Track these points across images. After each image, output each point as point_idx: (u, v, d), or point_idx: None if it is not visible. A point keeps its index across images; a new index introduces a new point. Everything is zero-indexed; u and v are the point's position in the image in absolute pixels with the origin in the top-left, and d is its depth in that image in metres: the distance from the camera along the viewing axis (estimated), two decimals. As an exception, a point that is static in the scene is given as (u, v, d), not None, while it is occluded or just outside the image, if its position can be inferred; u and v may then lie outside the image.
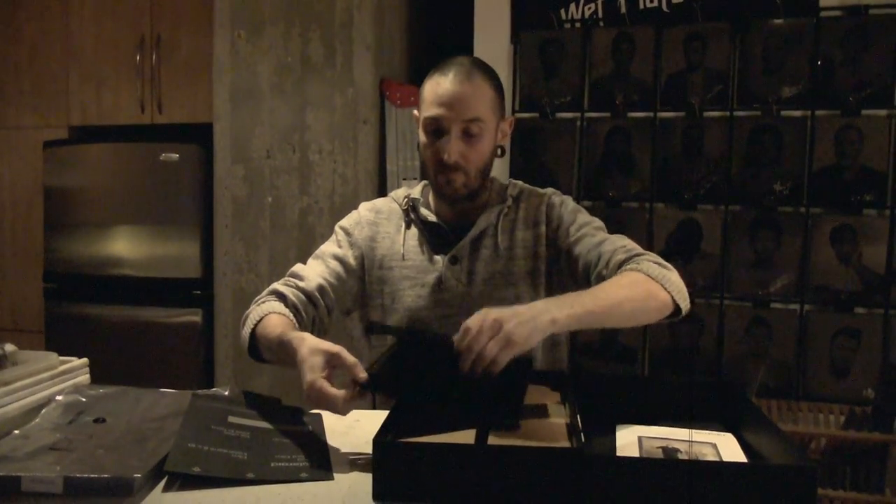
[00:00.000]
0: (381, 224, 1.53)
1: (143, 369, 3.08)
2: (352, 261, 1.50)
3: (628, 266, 1.31)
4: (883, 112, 2.48)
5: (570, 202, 1.51)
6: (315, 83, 2.86)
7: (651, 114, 2.69)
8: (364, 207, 1.58)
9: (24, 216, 3.41)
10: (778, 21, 2.57)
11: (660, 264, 1.32)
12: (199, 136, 3.05)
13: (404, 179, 2.83)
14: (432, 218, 1.49)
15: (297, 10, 2.86)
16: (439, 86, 1.38)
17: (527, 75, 2.81)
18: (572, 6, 2.77)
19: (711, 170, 2.64)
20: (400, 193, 1.56)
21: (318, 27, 2.85)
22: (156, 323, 3.10)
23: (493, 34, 2.83)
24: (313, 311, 1.45)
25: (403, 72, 3.05)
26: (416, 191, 1.55)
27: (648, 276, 1.27)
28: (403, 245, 1.49)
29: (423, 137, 1.42)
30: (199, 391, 1.29)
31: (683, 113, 2.66)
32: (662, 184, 2.69)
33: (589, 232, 1.43)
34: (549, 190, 1.53)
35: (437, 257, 1.46)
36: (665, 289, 1.27)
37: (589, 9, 2.75)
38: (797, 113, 2.56)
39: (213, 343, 3.03)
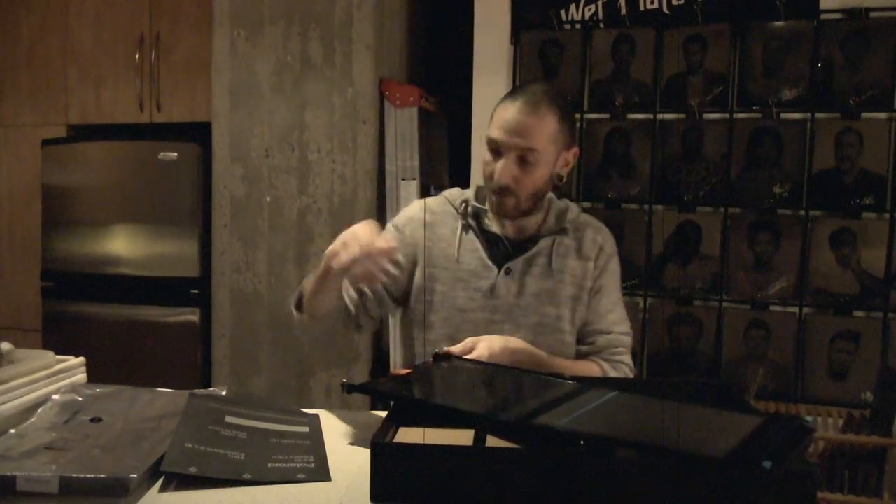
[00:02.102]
0: (435, 225, 1.59)
1: (140, 368, 3.07)
2: (399, 257, 1.53)
3: (600, 360, 1.52)
4: (883, 115, 2.48)
5: (615, 257, 1.60)
6: (314, 83, 2.86)
7: (651, 115, 2.69)
8: (418, 207, 1.63)
9: (22, 214, 3.40)
10: (778, 23, 2.57)
11: (624, 373, 1.53)
12: (197, 134, 3.05)
13: (403, 179, 2.83)
14: (495, 229, 1.56)
15: (296, 10, 2.86)
16: (506, 111, 1.46)
17: (526, 76, 2.81)
18: (572, 7, 2.77)
19: (711, 172, 2.63)
20: (455, 195, 1.62)
21: (317, 26, 2.84)
22: (153, 322, 3.10)
23: (493, 34, 2.82)
24: (357, 299, 1.54)
25: (403, 72, 3.04)
26: (470, 195, 1.60)
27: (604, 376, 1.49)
28: (459, 249, 1.55)
29: (485, 154, 1.50)
30: (197, 391, 1.28)
31: (683, 115, 2.66)
32: (662, 185, 2.68)
33: (605, 304, 1.56)
34: (606, 233, 1.62)
35: (492, 266, 1.53)
36: None
37: (589, 10, 2.75)
38: (797, 115, 2.56)
39: (211, 342, 3.03)
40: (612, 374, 1.51)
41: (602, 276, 1.56)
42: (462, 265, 1.54)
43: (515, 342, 1.43)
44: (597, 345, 1.54)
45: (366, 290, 1.52)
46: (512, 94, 1.50)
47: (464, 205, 1.58)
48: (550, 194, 1.61)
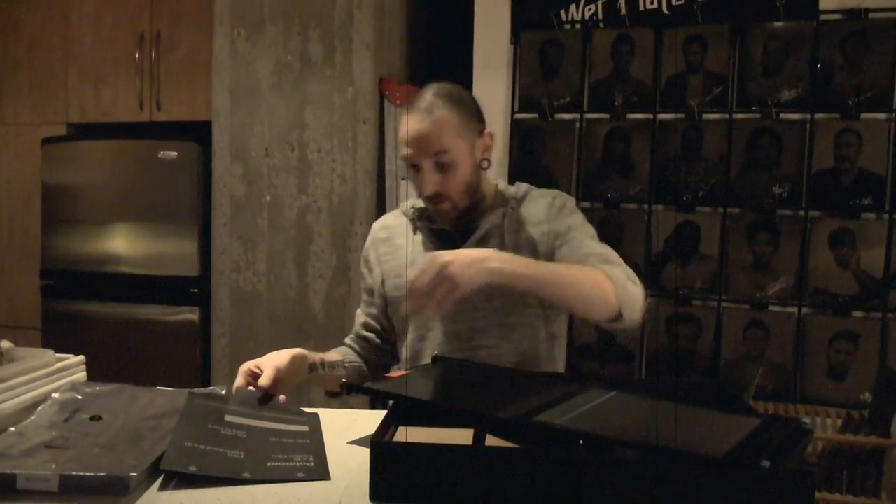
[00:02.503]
0: (392, 238, 1.62)
1: (139, 367, 3.07)
2: (375, 285, 1.63)
3: (598, 266, 1.38)
4: (882, 116, 2.49)
5: (571, 204, 1.56)
6: (314, 82, 2.86)
7: (650, 115, 2.69)
8: (375, 226, 1.68)
9: (22, 213, 3.40)
10: (778, 24, 2.57)
11: (627, 276, 1.38)
12: (197, 133, 3.05)
13: (403, 179, 2.83)
14: (442, 224, 1.55)
15: (296, 9, 2.86)
16: (405, 125, 1.47)
17: (526, 76, 2.81)
18: (572, 7, 2.77)
19: (710, 172, 2.64)
20: (407, 205, 1.65)
21: (317, 26, 2.85)
22: (153, 321, 3.10)
23: (493, 34, 2.82)
24: (366, 345, 1.67)
25: (403, 71, 3.04)
26: (420, 200, 1.61)
27: (608, 277, 1.34)
28: (412, 252, 1.55)
29: (408, 171, 1.52)
30: (196, 390, 1.28)
31: (683, 115, 2.66)
32: (661, 185, 2.69)
33: (576, 237, 1.49)
34: (555, 191, 1.59)
35: None
36: (616, 293, 1.33)
37: (589, 10, 2.75)
38: (796, 116, 2.56)
39: (210, 341, 3.03)
40: (617, 274, 1.36)
41: (561, 221, 1.49)
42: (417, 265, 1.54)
43: (498, 259, 1.26)
44: (590, 264, 1.40)
45: (365, 333, 1.67)
46: (407, 107, 1.50)
47: (412, 210, 1.60)
48: (499, 182, 1.61)
